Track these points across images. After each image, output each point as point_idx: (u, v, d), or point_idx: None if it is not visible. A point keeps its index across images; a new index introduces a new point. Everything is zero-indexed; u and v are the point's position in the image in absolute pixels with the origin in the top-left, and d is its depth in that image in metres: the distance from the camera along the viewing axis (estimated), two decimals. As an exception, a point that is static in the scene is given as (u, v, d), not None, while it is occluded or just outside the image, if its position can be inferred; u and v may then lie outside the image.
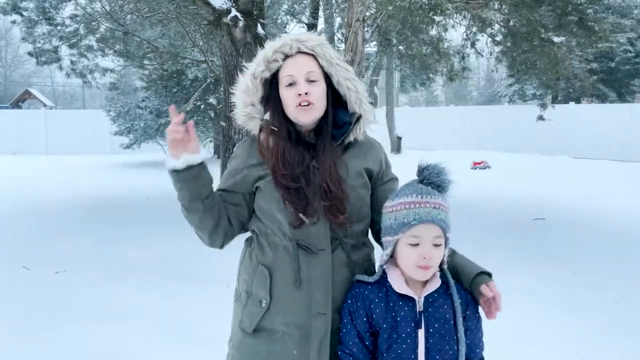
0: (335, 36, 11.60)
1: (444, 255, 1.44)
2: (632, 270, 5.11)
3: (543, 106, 12.61)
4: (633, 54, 18.19)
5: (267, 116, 1.58)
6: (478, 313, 1.51)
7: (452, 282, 1.46)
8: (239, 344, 1.58)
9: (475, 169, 14.74)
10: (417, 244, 1.39)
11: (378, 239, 1.59)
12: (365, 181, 1.59)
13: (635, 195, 9.60)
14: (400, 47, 7.82)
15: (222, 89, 8.46)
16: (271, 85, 1.57)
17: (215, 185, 1.61)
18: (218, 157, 12.92)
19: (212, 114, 14.02)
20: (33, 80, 42.95)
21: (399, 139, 18.44)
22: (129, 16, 7.96)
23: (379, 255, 1.55)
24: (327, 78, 1.56)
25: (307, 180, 1.49)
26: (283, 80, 1.53)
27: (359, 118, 1.57)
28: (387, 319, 1.44)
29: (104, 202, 9.41)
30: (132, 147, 16.02)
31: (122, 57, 8.78)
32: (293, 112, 1.52)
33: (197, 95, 8.52)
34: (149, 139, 15.78)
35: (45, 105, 26.20)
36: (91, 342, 3.48)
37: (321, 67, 1.55)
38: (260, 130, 1.57)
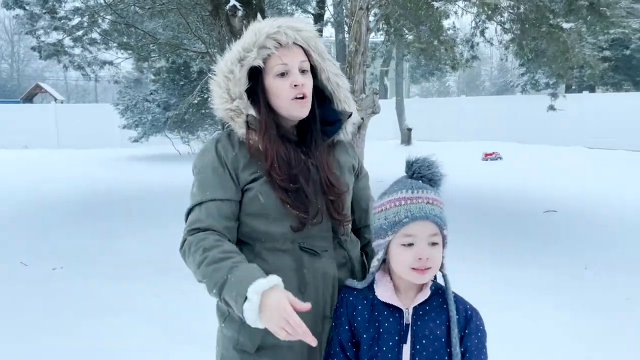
0: (345, 25, 11.43)
1: (443, 257, 1.27)
2: (646, 266, 4.93)
3: (554, 95, 12.34)
4: (649, 41, 17.75)
5: (251, 111, 1.39)
6: (481, 332, 1.31)
7: (450, 291, 1.26)
8: None
9: (487, 160, 14.55)
10: (411, 244, 1.24)
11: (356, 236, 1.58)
12: (352, 178, 1.55)
13: (651, 186, 9.34)
14: (405, 36, 7.62)
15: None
16: (250, 76, 1.40)
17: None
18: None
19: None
20: (46, 75, 43.23)
21: (409, 130, 18.23)
22: (131, 8, 7.85)
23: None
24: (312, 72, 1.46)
25: (306, 180, 1.39)
26: (274, 69, 1.38)
27: (349, 115, 1.50)
28: (369, 329, 1.31)
29: (105, 196, 9.38)
30: (140, 140, 16.08)
31: (125, 49, 8.68)
32: (287, 105, 1.38)
33: (200, 87, 8.41)
34: (156, 132, 15.81)
35: (56, 100, 26.29)
36: (85, 339, 3.43)
37: (309, 60, 1.43)
38: (248, 128, 1.40)
